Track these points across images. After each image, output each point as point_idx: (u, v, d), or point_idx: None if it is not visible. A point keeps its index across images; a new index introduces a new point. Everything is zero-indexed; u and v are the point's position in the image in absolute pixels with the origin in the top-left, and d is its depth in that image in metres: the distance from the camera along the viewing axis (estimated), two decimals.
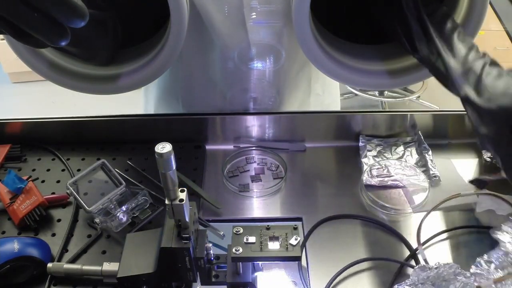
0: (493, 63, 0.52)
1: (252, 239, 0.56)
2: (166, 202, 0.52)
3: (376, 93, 2.54)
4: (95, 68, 0.72)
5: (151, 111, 1.00)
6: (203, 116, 0.85)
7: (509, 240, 0.66)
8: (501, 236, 0.67)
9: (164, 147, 0.48)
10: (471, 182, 0.76)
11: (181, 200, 0.53)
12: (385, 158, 0.83)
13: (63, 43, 0.45)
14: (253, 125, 0.86)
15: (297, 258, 0.56)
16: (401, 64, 0.76)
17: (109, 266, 0.61)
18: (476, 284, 0.60)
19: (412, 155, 0.84)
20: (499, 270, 0.63)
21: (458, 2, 0.65)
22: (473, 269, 0.64)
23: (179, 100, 0.97)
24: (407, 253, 0.68)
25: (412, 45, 0.61)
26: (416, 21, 0.60)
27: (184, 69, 0.98)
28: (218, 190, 0.79)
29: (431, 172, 0.80)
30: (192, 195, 0.76)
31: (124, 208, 0.71)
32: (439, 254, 0.68)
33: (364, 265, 0.66)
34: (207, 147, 0.86)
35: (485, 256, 0.65)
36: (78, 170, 0.80)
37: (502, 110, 0.49)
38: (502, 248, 0.65)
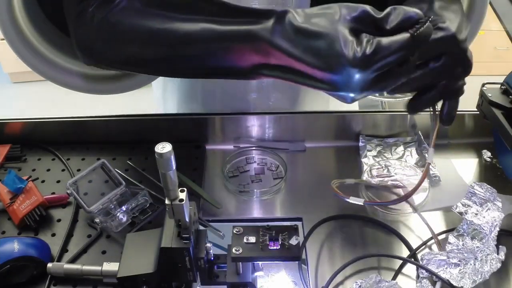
0: None
1: (252, 239, 0.56)
2: (166, 202, 0.52)
3: None
4: (95, 68, 0.73)
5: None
6: (203, 116, 0.85)
7: (465, 209, 0.68)
8: (462, 209, 0.69)
9: (164, 147, 0.48)
10: None
11: (181, 200, 0.53)
12: (385, 158, 0.83)
13: None
14: (253, 125, 0.86)
15: (297, 258, 0.56)
16: None
17: (109, 266, 0.61)
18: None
19: (412, 155, 0.84)
20: (473, 239, 0.66)
21: None
22: (448, 247, 0.66)
23: (199, 102, 0.98)
24: (407, 253, 0.68)
25: None
26: None
27: None
28: (218, 190, 0.79)
29: (431, 172, 0.80)
30: (192, 195, 0.76)
31: (124, 208, 0.71)
32: None
33: (364, 264, 0.66)
34: (207, 147, 0.86)
35: (455, 233, 0.67)
36: (78, 170, 0.80)
37: None
38: (468, 219, 0.67)
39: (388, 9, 0.48)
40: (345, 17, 0.48)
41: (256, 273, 0.60)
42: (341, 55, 0.46)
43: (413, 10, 0.48)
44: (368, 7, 0.48)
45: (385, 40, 0.46)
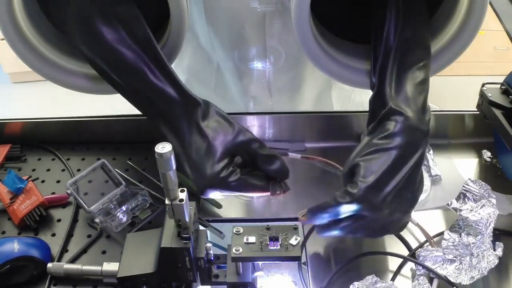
0: None
1: (252, 239, 0.56)
2: (166, 202, 0.52)
3: None
4: None
5: None
6: None
7: (460, 206, 0.69)
8: (457, 205, 0.69)
9: (164, 147, 0.48)
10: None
11: (181, 200, 0.53)
12: None
13: None
14: (253, 125, 0.86)
15: (297, 258, 0.56)
16: None
17: (109, 266, 0.61)
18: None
19: None
20: (469, 235, 0.66)
21: (458, 2, 0.65)
22: (444, 243, 0.66)
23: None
24: (406, 253, 0.68)
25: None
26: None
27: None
28: None
29: (432, 171, 0.80)
30: (192, 195, 0.76)
31: (124, 208, 0.71)
32: None
33: (364, 265, 0.66)
34: None
35: (450, 229, 0.67)
36: (78, 170, 0.80)
37: None
38: (463, 216, 0.67)
39: (271, 154, 0.61)
40: (233, 138, 0.60)
41: (256, 273, 0.60)
42: (206, 171, 0.58)
43: (282, 164, 0.61)
44: (257, 143, 0.61)
45: (249, 181, 0.59)
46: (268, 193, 0.60)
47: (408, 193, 0.57)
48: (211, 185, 0.58)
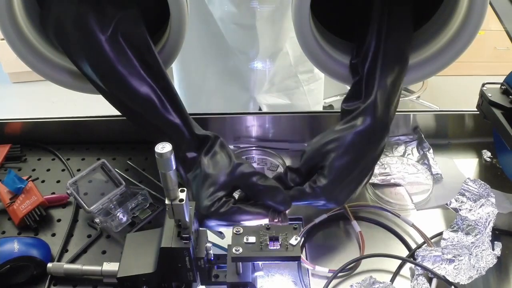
0: None
1: (252, 239, 0.56)
2: (166, 202, 0.52)
3: None
4: None
5: None
6: (203, 116, 0.85)
7: (459, 205, 0.69)
8: (456, 205, 0.69)
9: (164, 147, 0.48)
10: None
11: (181, 200, 0.52)
12: (386, 157, 0.83)
13: None
14: (253, 125, 0.86)
15: (297, 258, 0.56)
16: None
17: (109, 266, 0.61)
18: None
19: (413, 153, 0.84)
20: (468, 235, 0.66)
21: (458, 2, 0.65)
22: (443, 243, 0.66)
23: (199, 101, 0.99)
24: (406, 252, 0.68)
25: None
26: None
27: (180, 72, 0.99)
28: None
29: (433, 170, 0.80)
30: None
31: (124, 208, 0.71)
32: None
33: (364, 265, 0.66)
34: None
35: (449, 228, 0.67)
36: (78, 170, 0.80)
37: None
38: (462, 215, 0.67)
39: (272, 186, 0.60)
40: (230, 172, 0.60)
41: (256, 273, 0.60)
42: (202, 203, 0.60)
43: (284, 197, 0.60)
44: (257, 175, 0.61)
45: (243, 209, 0.59)
46: (265, 220, 0.60)
47: (356, 184, 0.63)
48: (206, 216, 0.60)
